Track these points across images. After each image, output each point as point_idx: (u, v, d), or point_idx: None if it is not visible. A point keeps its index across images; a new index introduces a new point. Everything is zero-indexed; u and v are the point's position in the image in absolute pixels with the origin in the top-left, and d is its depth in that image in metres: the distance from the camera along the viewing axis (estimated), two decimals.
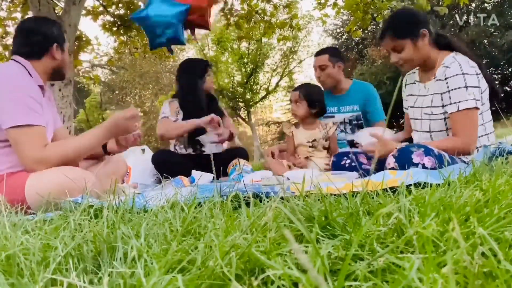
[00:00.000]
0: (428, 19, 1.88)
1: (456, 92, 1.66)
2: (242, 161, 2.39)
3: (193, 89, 2.75)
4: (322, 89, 2.77)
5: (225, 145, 2.97)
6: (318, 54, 2.82)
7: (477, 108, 1.66)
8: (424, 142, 1.69)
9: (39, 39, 1.69)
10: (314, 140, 2.54)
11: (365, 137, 1.89)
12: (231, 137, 2.69)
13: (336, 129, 2.60)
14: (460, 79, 1.66)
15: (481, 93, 1.73)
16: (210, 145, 2.71)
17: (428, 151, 1.51)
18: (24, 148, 1.47)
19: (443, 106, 1.74)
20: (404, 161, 1.50)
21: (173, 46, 3.23)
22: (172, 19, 2.88)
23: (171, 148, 2.84)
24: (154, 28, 2.92)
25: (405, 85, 2.04)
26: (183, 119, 2.72)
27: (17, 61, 1.63)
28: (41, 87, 1.66)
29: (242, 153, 2.67)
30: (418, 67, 1.95)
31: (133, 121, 1.72)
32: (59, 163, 1.50)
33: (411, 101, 1.96)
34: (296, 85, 2.80)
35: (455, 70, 1.67)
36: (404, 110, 2.10)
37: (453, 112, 1.68)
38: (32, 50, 1.67)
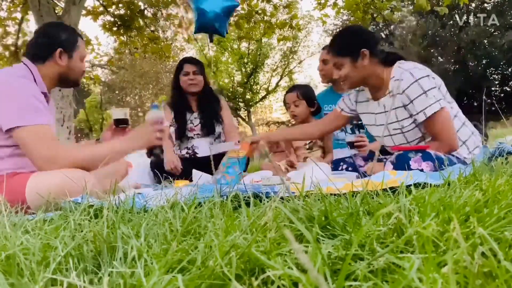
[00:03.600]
0: (376, 39, 1.89)
1: (418, 101, 1.66)
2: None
3: (173, 88, 2.86)
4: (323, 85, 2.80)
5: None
6: (326, 48, 2.82)
7: (442, 108, 1.66)
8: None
9: (44, 42, 1.66)
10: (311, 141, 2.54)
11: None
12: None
13: None
14: (416, 87, 1.65)
15: (438, 88, 1.72)
16: (203, 148, 2.70)
17: (426, 156, 1.51)
18: (35, 148, 1.44)
19: (411, 115, 1.73)
20: (402, 167, 1.50)
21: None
22: (221, 11, 2.90)
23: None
24: (204, 17, 2.93)
25: (355, 101, 2.02)
26: (174, 118, 2.76)
27: (25, 64, 1.62)
28: (44, 94, 1.62)
29: None
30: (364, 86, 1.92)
31: (154, 128, 1.65)
32: (70, 167, 1.47)
33: (368, 119, 1.94)
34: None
35: (408, 80, 1.67)
36: (336, 107, 2.10)
37: (424, 120, 1.68)
38: (36, 52, 1.65)
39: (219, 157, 2.55)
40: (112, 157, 1.55)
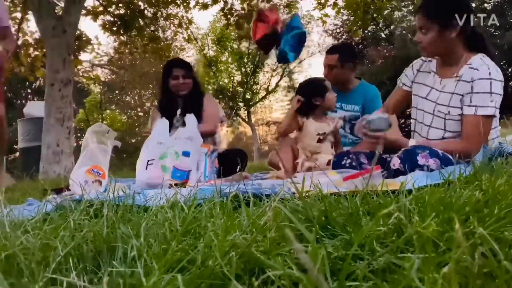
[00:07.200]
0: (473, 16, 1.72)
1: (479, 96, 1.60)
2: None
3: (162, 91, 2.88)
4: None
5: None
6: (329, 52, 2.78)
7: (494, 116, 1.62)
8: (428, 143, 1.67)
9: None
10: (324, 133, 2.48)
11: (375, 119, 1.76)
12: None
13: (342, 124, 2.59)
14: (487, 84, 1.59)
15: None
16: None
17: (433, 153, 1.50)
18: None
19: (462, 107, 1.66)
20: (409, 162, 1.49)
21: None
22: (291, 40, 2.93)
23: None
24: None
25: (417, 70, 1.93)
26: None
27: None
28: None
29: (241, 154, 2.67)
30: (436, 58, 1.84)
31: None
32: None
33: (422, 91, 1.86)
34: (296, 85, 2.82)
35: (483, 74, 1.61)
36: (398, 83, 2.00)
37: (468, 114, 1.62)
38: None
39: (219, 157, 2.56)
40: None
